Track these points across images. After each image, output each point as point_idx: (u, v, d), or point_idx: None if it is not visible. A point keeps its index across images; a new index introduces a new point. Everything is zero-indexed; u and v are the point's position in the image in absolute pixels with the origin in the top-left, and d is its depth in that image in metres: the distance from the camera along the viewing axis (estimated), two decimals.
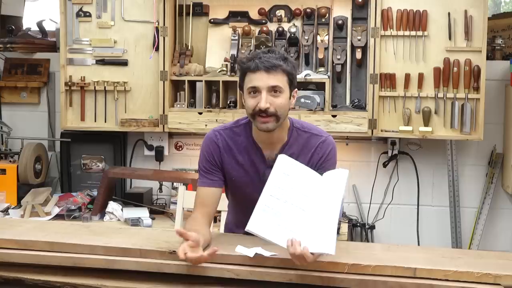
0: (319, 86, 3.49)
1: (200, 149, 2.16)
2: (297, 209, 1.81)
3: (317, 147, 2.10)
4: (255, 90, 1.98)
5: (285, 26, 3.58)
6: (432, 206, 3.74)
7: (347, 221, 3.57)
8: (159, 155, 3.83)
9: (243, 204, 2.12)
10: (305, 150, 2.10)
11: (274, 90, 1.98)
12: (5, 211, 3.52)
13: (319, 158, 2.09)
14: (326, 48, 3.52)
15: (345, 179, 1.83)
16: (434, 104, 3.42)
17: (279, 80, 1.98)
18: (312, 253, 1.71)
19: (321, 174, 2.05)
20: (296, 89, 2.10)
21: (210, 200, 2.11)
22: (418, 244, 3.64)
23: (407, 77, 3.42)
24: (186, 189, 3.00)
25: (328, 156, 2.10)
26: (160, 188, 3.81)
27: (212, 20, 3.66)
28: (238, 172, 2.11)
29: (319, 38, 3.51)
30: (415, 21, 3.40)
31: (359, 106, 3.47)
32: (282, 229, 1.77)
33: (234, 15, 3.65)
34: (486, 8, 3.35)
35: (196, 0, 3.67)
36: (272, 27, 3.60)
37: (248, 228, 1.78)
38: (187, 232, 1.76)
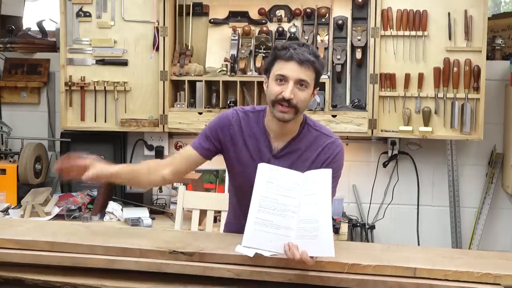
0: (319, 86, 3.48)
1: (213, 119, 2.19)
2: (288, 213, 1.79)
3: (325, 147, 2.11)
4: (282, 79, 2.01)
5: (285, 26, 3.58)
6: (432, 206, 3.74)
7: (347, 221, 3.56)
8: (159, 155, 3.83)
9: (243, 194, 2.09)
10: (312, 147, 2.11)
11: (301, 83, 2.01)
12: (5, 211, 3.52)
13: (326, 158, 2.09)
14: (326, 48, 3.52)
15: (330, 178, 1.80)
16: (434, 104, 3.42)
17: (308, 75, 2.01)
18: (311, 257, 1.71)
19: None
20: (318, 88, 2.13)
21: (190, 160, 2.15)
22: (418, 244, 3.64)
23: (407, 77, 3.42)
24: (186, 189, 3.00)
25: (335, 157, 2.11)
26: (160, 188, 3.82)
27: (212, 20, 3.66)
28: (243, 155, 2.13)
29: (319, 38, 3.51)
30: (415, 21, 3.40)
31: (359, 106, 3.47)
32: (278, 237, 1.76)
33: (234, 15, 3.65)
34: (486, 8, 3.35)
35: (196, 0, 3.68)
36: (272, 27, 3.60)
37: (244, 244, 1.76)
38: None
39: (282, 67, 2.01)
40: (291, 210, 1.79)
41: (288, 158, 2.09)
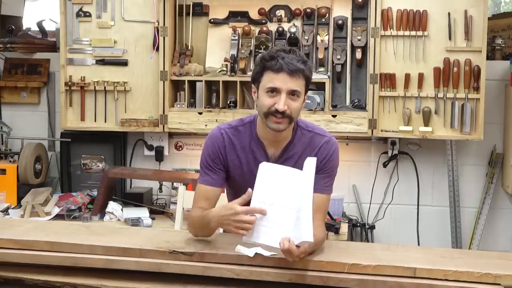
0: (319, 86, 3.49)
1: (204, 146, 2.14)
2: (286, 208, 1.81)
3: (320, 147, 2.10)
4: (274, 90, 1.97)
5: (285, 26, 3.58)
6: (432, 206, 3.74)
7: (347, 221, 3.56)
8: (159, 155, 3.83)
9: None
10: (308, 149, 2.10)
11: (293, 93, 1.98)
12: (5, 211, 3.52)
13: (322, 158, 2.09)
14: (326, 48, 3.52)
15: (314, 166, 1.83)
16: (434, 104, 3.42)
17: (299, 84, 1.98)
18: (297, 246, 1.73)
19: (322, 174, 2.06)
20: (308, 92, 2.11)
21: (211, 197, 2.11)
22: (418, 244, 3.64)
23: (407, 77, 3.42)
24: (186, 189, 3.01)
25: (331, 156, 2.10)
26: (160, 188, 3.81)
27: (212, 20, 3.66)
28: (241, 171, 2.10)
29: (319, 38, 3.51)
30: (415, 21, 3.40)
31: (359, 106, 3.47)
32: (277, 232, 1.78)
33: (234, 15, 3.65)
34: (486, 8, 3.35)
35: (196, 0, 3.67)
36: (272, 27, 3.60)
37: (244, 239, 1.81)
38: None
39: (272, 79, 1.97)
40: (288, 207, 1.80)
41: (287, 165, 2.09)
